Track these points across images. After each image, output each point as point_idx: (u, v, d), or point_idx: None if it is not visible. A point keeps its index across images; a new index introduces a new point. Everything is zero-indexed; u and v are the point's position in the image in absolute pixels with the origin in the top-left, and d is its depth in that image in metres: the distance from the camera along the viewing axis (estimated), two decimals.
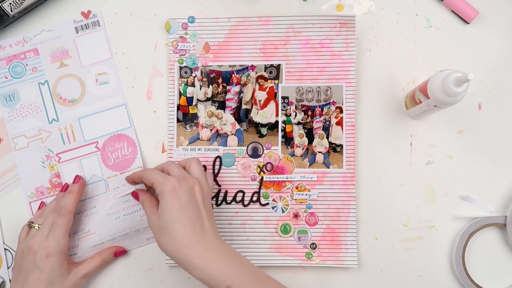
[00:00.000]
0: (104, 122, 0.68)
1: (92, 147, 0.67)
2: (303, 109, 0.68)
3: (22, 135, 0.67)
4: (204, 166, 0.66)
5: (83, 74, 0.68)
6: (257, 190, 0.67)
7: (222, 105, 0.68)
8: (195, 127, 0.68)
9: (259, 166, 0.67)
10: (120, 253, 0.66)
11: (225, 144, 0.68)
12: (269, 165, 0.67)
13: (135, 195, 0.63)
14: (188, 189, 0.56)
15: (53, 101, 0.68)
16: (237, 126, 0.68)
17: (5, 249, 0.67)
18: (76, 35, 0.68)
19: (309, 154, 0.67)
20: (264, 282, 0.55)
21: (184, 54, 0.68)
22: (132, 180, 0.63)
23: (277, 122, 0.68)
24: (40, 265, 0.59)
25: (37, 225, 0.62)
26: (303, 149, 0.67)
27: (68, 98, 0.68)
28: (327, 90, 0.68)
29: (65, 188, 0.65)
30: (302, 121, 0.68)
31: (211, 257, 0.54)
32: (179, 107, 0.68)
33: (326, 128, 0.67)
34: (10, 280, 0.66)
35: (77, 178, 0.65)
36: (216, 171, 0.67)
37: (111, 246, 0.66)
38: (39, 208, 0.66)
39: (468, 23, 0.69)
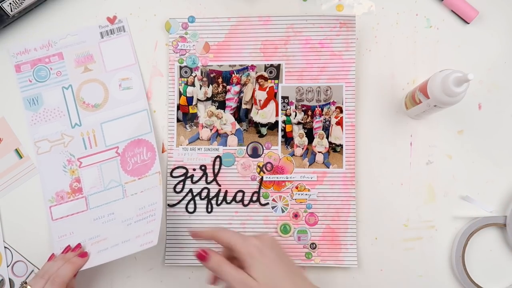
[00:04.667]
0: (125, 127, 0.67)
1: (112, 152, 0.67)
2: (303, 109, 0.68)
3: (45, 139, 0.67)
4: None
5: (106, 79, 0.68)
6: (257, 190, 0.67)
7: (222, 105, 0.68)
8: (195, 127, 0.68)
9: (259, 166, 0.67)
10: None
11: (225, 144, 0.68)
12: (269, 165, 0.67)
13: (204, 255, 0.54)
14: (271, 242, 0.54)
15: (76, 105, 0.67)
16: (237, 126, 0.68)
17: (5, 247, 0.67)
18: (101, 40, 0.68)
19: (309, 154, 0.67)
20: None
21: (184, 54, 0.68)
22: (197, 236, 0.58)
23: (277, 122, 0.68)
24: None
25: (29, 287, 0.58)
26: (303, 149, 0.67)
27: (91, 103, 0.67)
28: (327, 90, 0.68)
29: (66, 250, 0.63)
30: (302, 121, 0.68)
31: None
32: (179, 106, 0.68)
33: (326, 128, 0.67)
34: (9, 279, 0.66)
35: (79, 246, 0.64)
36: (216, 171, 0.67)
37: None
38: (48, 260, 0.63)
39: (468, 23, 0.69)
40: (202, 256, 0.54)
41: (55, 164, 0.67)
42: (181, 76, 0.68)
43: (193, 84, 0.68)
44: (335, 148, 0.67)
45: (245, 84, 0.68)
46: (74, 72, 0.68)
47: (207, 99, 0.68)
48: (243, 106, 0.68)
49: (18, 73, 0.68)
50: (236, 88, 0.68)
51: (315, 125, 0.67)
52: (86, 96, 0.67)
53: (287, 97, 0.68)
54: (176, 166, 0.68)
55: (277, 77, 0.68)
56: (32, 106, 0.67)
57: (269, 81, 0.68)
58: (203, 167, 0.67)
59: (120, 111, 0.67)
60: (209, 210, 0.67)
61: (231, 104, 0.68)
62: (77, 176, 0.66)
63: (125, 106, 0.67)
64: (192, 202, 0.67)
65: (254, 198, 0.67)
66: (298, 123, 0.68)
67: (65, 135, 0.67)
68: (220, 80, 0.68)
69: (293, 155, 0.67)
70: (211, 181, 0.67)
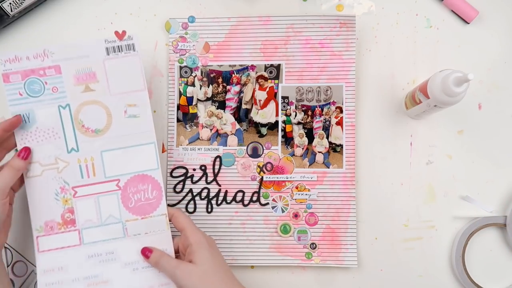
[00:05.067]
0: (128, 160, 0.60)
1: (112, 185, 0.60)
2: (303, 109, 0.68)
3: (36, 161, 0.59)
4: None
5: (110, 103, 0.60)
6: (257, 190, 0.67)
7: (222, 105, 0.68)
8: (195, 127, 0.68)
9: (259, 166, 0.67)
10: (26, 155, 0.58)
11: (225, 144, 0.68)
12: (269, 165, 0.67)
13: (146, 253, 0.59)
14: (215, 245, 0.59)
15: (74, 128, 0.60)
16: (237, 126, 0.68)
17: (5, 247, 0.66)
18: (106, 57, 0.60)
19: (309, 154, 0.67)
20: None
21: (184, 54, 0.68)
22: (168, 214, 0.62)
23: (277, 122, 0.68)
24: None
25: None
26: (303, 149, 0.67)
27: (92, 128, 0.60)
28: (327, 90, 0.68)
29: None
30: (302, 121, 0.68)
31: None
32: (179, 106, 0.68)
33: (326, 128, 0.67)
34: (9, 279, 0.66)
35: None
36: (216, 171, 0.67)
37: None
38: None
39: (468, 23, 0.69)
40: (144, 254, 0.59)
41: (47, 191, 0.60)
42: (181, 76, 0.68)
43: (193, 84, 0.68)
44: (335, 148, 0.67)
45: (245, 84, 0.68)
46: (73, 90, 0.60)
47: (207, 99, 0.68)
48: (243, 106, 0.68)
49: (6, 84, 0.59)
50: (236, 88, 0.68)
51: (315, 125, 0.68)
52: (86, 119, 0.60)
53: (287, 97, 0.68)
54: (176, 166, 0.68)
55: (277, 77, 0.68)
56: (22, 124, 0.59)
57: (269, 81, 0.68)
58: (203, 167, 0.67)
59: (124, 140, 0.60)
60: (209, 210, 0.67)
61: (231, 104, 0.68)
62: (71, 206, 0.60)
63: (130, 136, 0.60)
64: (192, 202, 0.67)
65: (254, 198, 0.67)
66: (298, 123, 0.68)
67: (59, 159, 0.60)
68: (220, 80, 0.68)
69: (293, 155, 0.67)
70: (211, 181, 0.67)
